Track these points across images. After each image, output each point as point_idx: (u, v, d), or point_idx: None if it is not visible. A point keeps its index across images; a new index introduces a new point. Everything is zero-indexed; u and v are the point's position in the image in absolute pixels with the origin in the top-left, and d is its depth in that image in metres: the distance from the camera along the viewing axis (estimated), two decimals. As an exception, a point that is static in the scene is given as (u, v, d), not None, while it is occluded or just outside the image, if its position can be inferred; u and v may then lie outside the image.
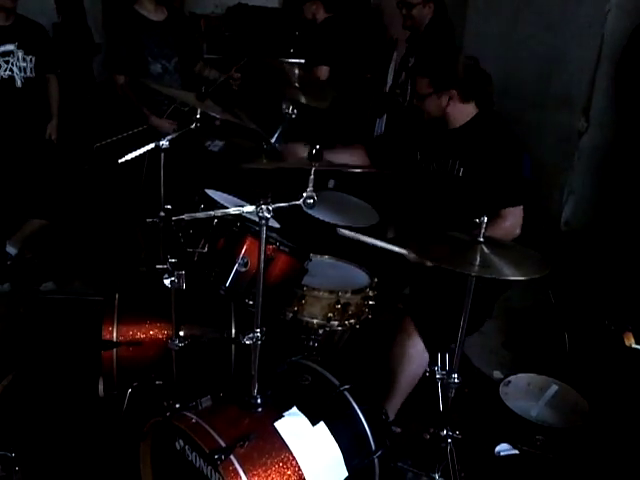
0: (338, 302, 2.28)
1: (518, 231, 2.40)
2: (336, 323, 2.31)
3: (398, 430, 2.51)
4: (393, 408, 2.51)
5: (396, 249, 2.27)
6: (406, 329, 2.42)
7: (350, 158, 2.75)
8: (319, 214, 2.58)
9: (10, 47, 3.44)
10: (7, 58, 3.44)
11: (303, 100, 2.82)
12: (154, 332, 2.38)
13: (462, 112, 2.49)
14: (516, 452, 2.43)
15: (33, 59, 3.53)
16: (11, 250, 3.65)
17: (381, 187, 2.97)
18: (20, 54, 3.48)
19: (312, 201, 1.76)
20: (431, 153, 2.62)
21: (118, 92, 3.58)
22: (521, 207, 2.41)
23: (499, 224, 2.36)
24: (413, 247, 1.97)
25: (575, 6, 3.59)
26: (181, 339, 2.06)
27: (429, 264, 2.28)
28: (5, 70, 3.45)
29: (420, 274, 2.41)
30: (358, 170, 1.97)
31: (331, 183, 3.24)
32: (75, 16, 5.06)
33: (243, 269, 2.07)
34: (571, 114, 3.62)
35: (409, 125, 2.83)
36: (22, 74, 3.50)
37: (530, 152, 3.57)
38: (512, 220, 2.39)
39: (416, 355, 2.41)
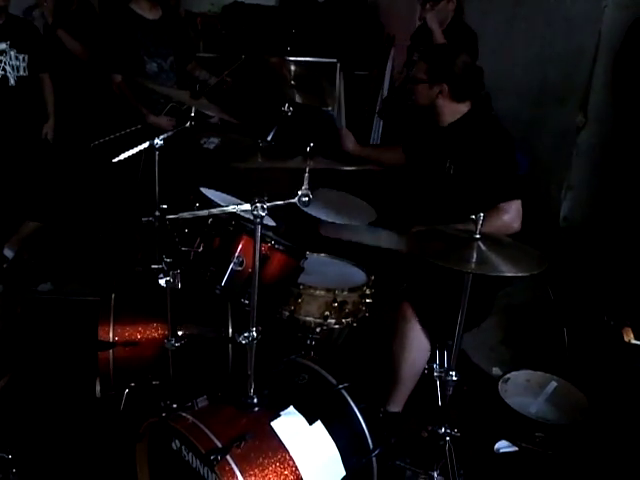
0: (335, 300, 2.27)
1: (517, 226, 2.38)
2: (333, 321, 2.30)
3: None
4: (400, 400, 2.50)
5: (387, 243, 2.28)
6: (404, 315, 2.41)
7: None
8: (316, 212, 2.56)
9: (2, 46, 3.41)
10: None
11: (298, 99, 2.81)
12: (150, 332, 2.37)
13: (452, 110, 2.49)
14: (515, 449, 2.42)
15: (26, 58, 3.51)
16: (8, 253, 3.64)
17: (379, 184, 2.96)
18: (12, 53, 3.45)
19: (307, 199, 1.76)
20: (423, 151, 2.62)
21: (115, 91, 3.56)
22: (519, 201, 2.39)
23: (498, 216, 2.34)
24: (410, 242, 1.96)
25: (572, 2, 3.58)
26: (177, 339, 2.05)
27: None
28: None
29: (419, 265, 2.40)
30: (352, 168, 1.96)
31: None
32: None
33: (238, 268, 2.06)
34: (569, 110, 3.61)
35: (405, 124, 2.83)
36: (15, 73, 3.48)
37: (528, 148, 3.59)
38: (511, 214, 2.37)
39: (416, 340, 2.40)
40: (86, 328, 2.54)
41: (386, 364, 2.50)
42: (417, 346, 2.41)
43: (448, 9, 3.50)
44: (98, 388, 2.39)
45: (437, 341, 2.37)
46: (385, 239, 2.40)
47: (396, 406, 2.50)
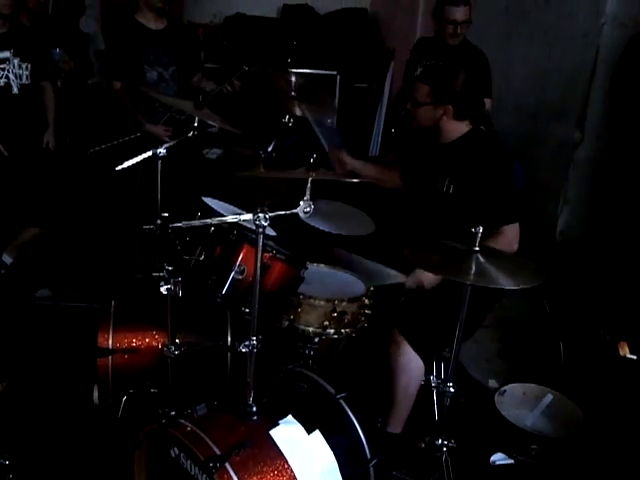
0: (334, 310, 2.28)
1: (516, 246, 2.39)
2: (332, 331, 2.31)
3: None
4: (398, 421, 2.48)
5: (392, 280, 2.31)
6: (395, 340, 2.42)
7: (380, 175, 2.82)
8: (316, 223, 2.58)
9: (6, 54, 3.43)
10: (3, 65, 3.43)
11: (298, 112, 2.82)
12: (150, 340, 2.37)
13: (454, 129, 2.47)
14: (511, 461, 2.42)
15: (29, 66, 3.52)
16: (7, 259, 3.64)
17: (378, 198, 2.98)
18: (16, 61, 3.47)
19: (309, 210, 1.77)
20: (422, 168, 2.63)
21: (114, 98, 3.59)
22: (517, 224, 2.41)
23: (498, 239, 2.35)
24: (408, 254, 1.97)
25: (570, 18, 3.62)
26: (177, 347, 2.06)
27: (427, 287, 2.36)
28: (1, 77, 3.44)
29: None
30: (354, 180, 1.98)
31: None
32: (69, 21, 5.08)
33: (239, 277, 2.07)
34: (566, 125, 3.65)
35: (405, 138, 2.83)
36: (18, 81, 3.49)
37: (525, 163, 3.62)
38: (510, 236, 2.39)
39: (408, 364, 2.40)
40: (85, 335, 2.55)
41: (382, 388, 2.50)
42: (410, 370, 2.41)
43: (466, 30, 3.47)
44: (96, 395, 2.39)
45: (429, 357, 2.38)
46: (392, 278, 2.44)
47: (395, 427, 2.49)
